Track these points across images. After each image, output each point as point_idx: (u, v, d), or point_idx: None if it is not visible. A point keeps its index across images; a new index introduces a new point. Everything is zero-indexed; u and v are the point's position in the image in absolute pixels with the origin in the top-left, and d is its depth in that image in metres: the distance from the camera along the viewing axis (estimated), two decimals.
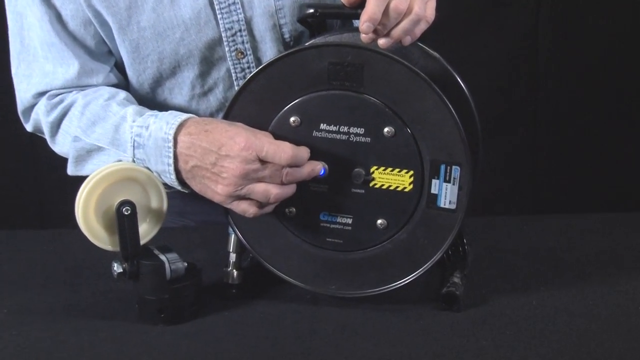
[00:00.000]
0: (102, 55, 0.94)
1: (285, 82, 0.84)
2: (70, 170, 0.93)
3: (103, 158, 0.90)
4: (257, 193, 0.81)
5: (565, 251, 1.01)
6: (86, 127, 0.90)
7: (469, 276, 0.91)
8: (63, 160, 0.96)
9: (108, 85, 0.94)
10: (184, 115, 0.85)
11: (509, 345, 0.78)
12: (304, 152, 0.82)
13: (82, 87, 0.93)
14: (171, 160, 0.83)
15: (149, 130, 0.84)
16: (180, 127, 0.83)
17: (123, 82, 0.96)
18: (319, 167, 0.82)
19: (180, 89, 0.95)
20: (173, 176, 0.84)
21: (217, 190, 0.82)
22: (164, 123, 0.84)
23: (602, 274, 0.94)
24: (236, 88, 0.93)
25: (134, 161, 0.87)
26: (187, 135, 0.82)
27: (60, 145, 0.94)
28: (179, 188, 0.86)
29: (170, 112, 0.87)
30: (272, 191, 0.81)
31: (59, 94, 0.93)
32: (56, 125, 0.93)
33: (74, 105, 0.92)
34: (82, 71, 0.92)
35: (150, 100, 0.95)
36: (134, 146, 0.86)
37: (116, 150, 0.88)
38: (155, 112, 0.87)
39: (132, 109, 0.88)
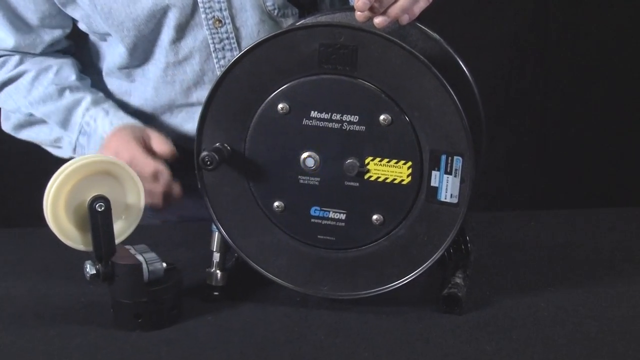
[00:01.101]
0: (49, 21, 0.99)
1: (272, 66, 0.84)
2: (5, 127, 1.05)
3: (45, 130, 1.01)
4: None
5: (576, 248, 1.02)
6: (35, 102, 1.00)
7: (471, 276, 0.91)
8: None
9: (56, 51, 1.03)
10: (127, 120, 0.97)
11: (515, 351, 0.79)
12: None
13: (24, 53, 1.02)
14: None
15: (96, 124, 0.97)
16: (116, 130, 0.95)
17: (72, 48, 1.05)
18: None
19: (154, 58, 0.96)
20: None
21: None
22: (107, 123, 0.97)
23: (616, 272, 0.94)
24: (215, 60, 0.94)
25: (75, 146, 0.97)
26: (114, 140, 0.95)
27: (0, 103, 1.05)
28: None
29: (119, 112, 0.98)
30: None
31: (1, 55, 1.02)
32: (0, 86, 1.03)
33: (23, 76, 1.01)
34: (22, 39, 1.00)
35: (127, 72, 1.02)
36: (80, 131, 0.98)
37: (60, 128, 0.99)
38: (109, 107, 0.98)
39: (90, 97, 1.00)
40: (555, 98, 1.78)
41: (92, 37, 1.03)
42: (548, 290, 0.90)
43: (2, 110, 1.07)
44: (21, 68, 1.01)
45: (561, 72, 1.77)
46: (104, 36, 1.00)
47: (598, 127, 1.78)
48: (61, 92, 1.00)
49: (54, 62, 1.01)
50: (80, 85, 1.02)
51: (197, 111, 0.86)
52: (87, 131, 0.98)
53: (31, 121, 1.03)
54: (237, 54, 0.85)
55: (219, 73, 0.93)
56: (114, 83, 1.04)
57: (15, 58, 1.01)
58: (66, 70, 1.02)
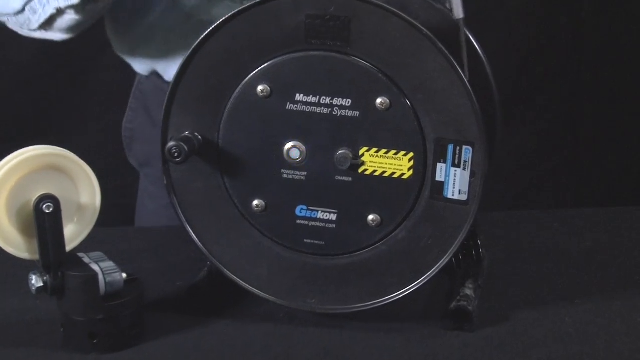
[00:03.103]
0: None
1: (251, 41, 0.84)
2: None
3: None
4: None
5: (607, 253, 1.03)
6: None
7: (484, 287, 0.92)
8: None
9: None
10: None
11: None
12: None
13: None
14: None
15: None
16: None
17: None
18: None
19: None
20: None
21: None
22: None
23: None
24: None
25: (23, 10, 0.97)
26: None
27: None
28: None
29: None
30: None
31: None
32: None
33: None
34: None
35: None
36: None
37: None
38: None
39: None
40: (588, 77, 1.77)
41: None
42: (574, 303, 0.91)
43: None
44: None
45: (598, 47, 1.75)
46: None
47: (637, 115, 1.78)
48: None
49: None
50: None
51: None
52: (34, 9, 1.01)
53: None
54: (208, 28, 0.85)
55: None
56: None
57: None
58: None
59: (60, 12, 1.02)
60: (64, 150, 0.86)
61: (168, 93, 0.86)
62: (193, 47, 0.85)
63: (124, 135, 1.29)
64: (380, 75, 0.83)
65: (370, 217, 0.86)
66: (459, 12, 0.83)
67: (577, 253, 1.03)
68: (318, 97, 0.84)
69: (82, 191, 0.85)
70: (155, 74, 1.20)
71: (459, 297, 0.87)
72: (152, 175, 1.27)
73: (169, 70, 1.16)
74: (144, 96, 1.26)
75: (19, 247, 0.84)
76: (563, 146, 1.80)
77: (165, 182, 0.88)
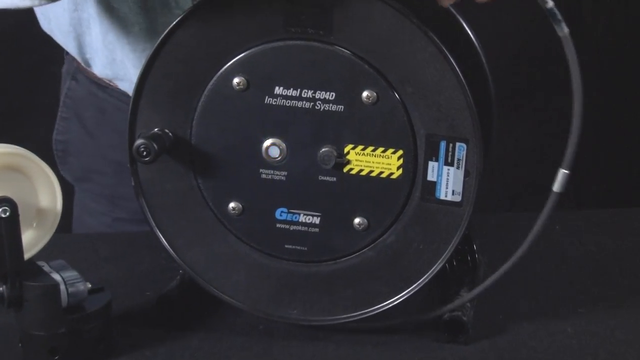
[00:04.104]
0: None
1: (226, 29, 0.84)
2: None
3: None
4: None
5: (611, 258, 1.03)
6: None
7: (480, 295, 0.92)
8: None
9: None
10: None
11: None
12: None
13: None
14: None
15: None
16: None
17: None
18: None
19: None
20: None
21: None
22: None
23: None
24: None
25: None
26: None
27: None
28: None
29: None
30: None
31: None
32: None
33: None
34: None
35: None
36: None
37: None
38: None
39: None
40: (591, 67, 1.78)
41: None
42: (576, 312, 0.91)
43: None
44: None
45: (600, 35, 1.77)
46: None
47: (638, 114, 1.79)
48: None
49: None
50: None
51: None
52: None
53: None
54: (179, 14, 0.85)
55: None
56: None
57: None
58: None
59: None
60: (22, 148, 0.85)
61: (135, 86, 0.86)
62: (162, 36, 0.85)
63: (55, 149, 1.22)
64: (366, 66, 0.83)
65: (357, 220, 0.85)
66: (563, 29, 0.82)
67: (579, 258, 1.03)
68: (299, 90, 0.84)
69: (42, 194, 0.85)
70: (83, 76, 1.17)
71: (453, 307, 0.87)
72: (91, 191, 1.23)
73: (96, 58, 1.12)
74: (75, 103, 1.21)
75: None
76: (563, 143, 1.81)
77: (133, 183, 0.88)
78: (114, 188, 1.19)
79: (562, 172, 0.82)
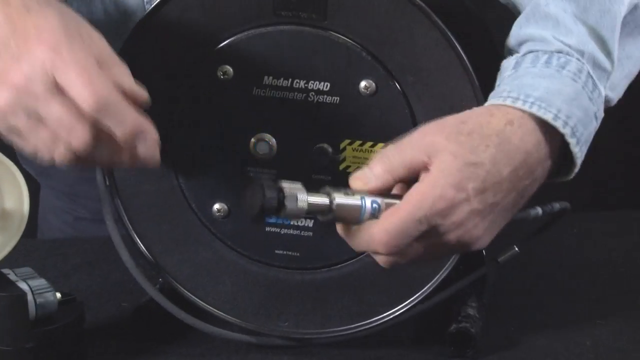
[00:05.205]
0: None
1: (210, 13, 0.84)
2: None
3: None
4: (37, 137, 0.76)
5: (634, 264, 1.03)
6: None
7: (489, 305, 0.92)
8: None
9: None
10: None
11: None
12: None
13: None
14: None
15: None
16: None
17: None
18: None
19: None
20: None
21: None
22: None
23: None
24: None
25: None
26: None
27: None
28: None
29: None
30: (57, 141, 0.76)
31: None
32: None
33: None
34: None
35: None
36: None
37: None
38: None
39: None
40: None
41: None
42: (596, 324, 0.91)
43: None
44: None
45: None
46: None
47: None
48: None
49: None
50: None
51: None
52: None
53: None
54: None
55: None
56: None
57: None
58: None
59: None
60: None
61: None
62: (137, 22, 0.84)
63: None
64: (363, 53, 0.83)
65: None
66: None
67: (599, 265, 1.03)
68: (290, 80, 0.84)
69: (7, 195, 0.85)
70: None
71: (460, 318, 0.87)
72: (52, 187, 1.24)
73: None
74: None
75: None
76: None
77: (106, 183, 0.87)
78: (72, 185, 1.20)
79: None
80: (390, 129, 0.83)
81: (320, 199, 0.74)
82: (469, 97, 0.82)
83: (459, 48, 0.81)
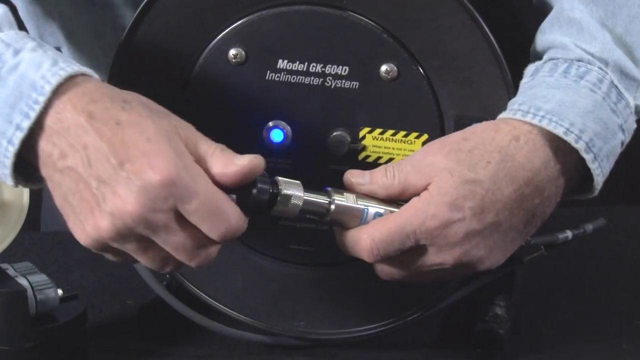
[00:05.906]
0: None
1: None
2: None
3: None
4: (146, 257, 0.77)
5: None
6: None
7: (519, 304, 0.91)
8: None
9: None
10: (86, 70, 0.79)
11: None
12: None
13: None
14: (27, 124, 0.75)
15: (18, 58, 0.77)
16: (73, 83, 0.76)
17: None
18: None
19: None
20: (12, 150, 0.75)
21: (85, 226, 0.76)
22: (48, 61, 0.77)
23: None
24: None
25: None
26: (80, 109, 0.75)
27: None
28: (10, 181, 0.78)
29: (69, 60, 0.80)
30: (170, 261, 0.77)
31: None
32: None
33: None
34: None
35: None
36: None
37: None
38: (48, 46, 0.81)
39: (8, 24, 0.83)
40: None
41: None
42: (633, 324, 0.91)
43: None
44: None
45: None
46: None
47: None
48: None
49: None
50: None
51: None
52: None
53: None
54: None
55: None
56: None
57: None
58: None
59: None
60: None
61: (114, 59, 0.85)
62: (144, 2, 0.84)
63: None
64: (384, 35, 0.82)
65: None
66: None
67: (635, 260, 1.03)
68: (306, 64, 0.83)
69: (6, 185, 0.85)
70: None
71: (487, 318, 0.87)
72: None
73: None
74: None
75: None
76: None
77: None
78: None
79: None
80: (412, 117, 0.83)
81: (318, 198, 0.75)
82: (498, 83, 0.81)
83: (487, 30, 0.80)
